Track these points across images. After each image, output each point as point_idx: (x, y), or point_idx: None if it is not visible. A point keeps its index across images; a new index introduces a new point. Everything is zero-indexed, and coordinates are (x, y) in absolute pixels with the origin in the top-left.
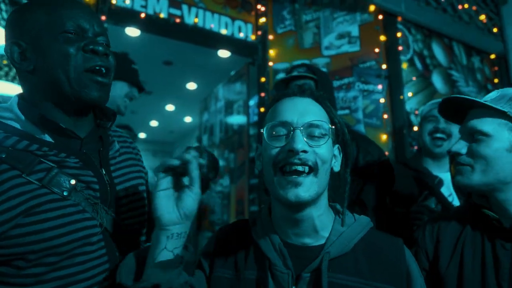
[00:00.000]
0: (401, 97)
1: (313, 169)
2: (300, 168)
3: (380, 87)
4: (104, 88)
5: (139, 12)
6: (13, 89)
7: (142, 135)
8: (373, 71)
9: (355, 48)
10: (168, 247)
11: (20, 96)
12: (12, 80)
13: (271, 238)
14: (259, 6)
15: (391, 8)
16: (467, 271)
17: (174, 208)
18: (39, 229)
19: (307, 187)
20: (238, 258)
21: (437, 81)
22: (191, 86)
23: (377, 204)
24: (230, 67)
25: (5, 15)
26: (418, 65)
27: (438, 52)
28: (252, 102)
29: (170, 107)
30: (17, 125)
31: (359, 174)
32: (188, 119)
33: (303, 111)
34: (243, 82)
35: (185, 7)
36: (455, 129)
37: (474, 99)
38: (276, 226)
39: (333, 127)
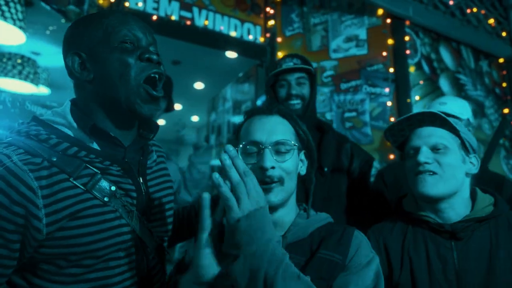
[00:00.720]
0: (408, 100)
1: (279, 181)
2: (268, 181)
3: (387, 90)
4: (156, 101)
5: (151, 15)
6: (25, 87)
7: None
8: (380, 74)
9: (363, 51)
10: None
11: (73, 102)
12: (25, 78)
13: None
14: (268, 9)
15: (399, 12)
16: (418, 274)
17: (214, 264)
18: (81, 233)
19: (275, 193)
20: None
21: (445, 84)
22: (199, 86)
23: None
24: (238, 68)
25: (20, 16)
26: (426, 68)
27: (446, 55)
28: (259, 103)
29: (177, 106)
30: (69, 132)
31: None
32: (195, 118)
33: (270, 130)
34: (251, 83)
35: (195, 10)
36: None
37: (446, 117)
38: None
39: (298, 140)
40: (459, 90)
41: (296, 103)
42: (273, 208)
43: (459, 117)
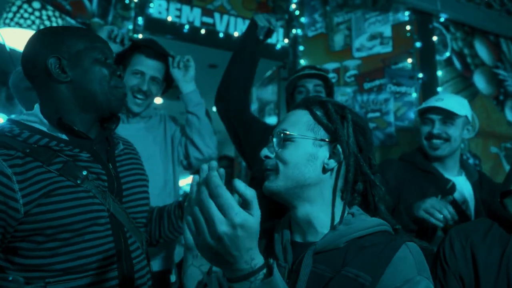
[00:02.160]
0: None
1: (273, 170)
2: (263, 169)
3: (413, 89)
4: (123, 101)
5: (174, 22)
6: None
7: None
8: (406, 72)
9: (387, 49)
10: (195, 264)
11: (40, 104)
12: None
13: (283, 235)
14: (290, 10)
15: (426, 6)
16: None
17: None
18: (56, 208)
19: (270, 180)
20: (262, 250)
21: (480, 81)
22: None
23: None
24: (262, 70)
25: (25, 14)
26: (457, 65)
27: (482, 50)
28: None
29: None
30: (40, 127)
31: None
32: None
33: (282, 121)
34: (274, 85)
35: (217, 15)
36: (453, 131)
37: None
38: (292, 227)
39: (321, 129)
40: (498, 86)
41: None
42: (287, 202)
43: (456, 113)
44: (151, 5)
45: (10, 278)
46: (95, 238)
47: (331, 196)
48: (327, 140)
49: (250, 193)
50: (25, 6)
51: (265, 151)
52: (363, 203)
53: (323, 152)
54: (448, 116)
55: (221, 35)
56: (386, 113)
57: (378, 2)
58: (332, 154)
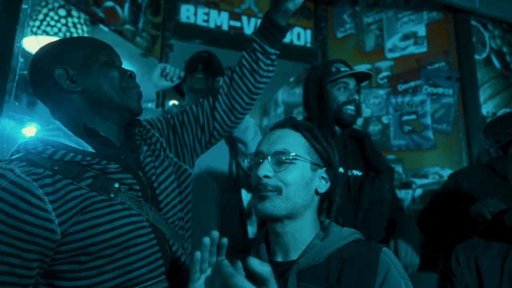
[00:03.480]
0: (476, 100)
1: (276, 190)
2: (261, 188)
3: (451, 90)
4: (140, 101)
5: (202, 27)
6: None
7: None
8: (442, 73)
9: (422, 49)
10: None
11: (58, 117)
12: None
13: (260, 255)
14: (318, 12)
15: (463, 4)
16: None
17: None
18: (94, 224)
19: (271, 202)
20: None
21: None
22: None
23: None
24: (290, 73)
25: (52, 22)
26: (496, 64)
27: None
28: None
29: None
30: (65, 141)
31: None
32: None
33: (274, 141)
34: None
35: (244, 18)
36: None
37: None
38: (271, 246)
39: (314, 153)
40: None
41: (353, 109)
42: (276, 221)
43: None
44: (180, 10)
45: None
46: (140, 250)
47: (315, 215)
48: (320, 165)
49: (266, 270)
50: (52, 14)
51: (264, 170)
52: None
53: (316, 177)
54: None
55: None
56: (423, 116)
57: (411, 0)
58: (322, 179)
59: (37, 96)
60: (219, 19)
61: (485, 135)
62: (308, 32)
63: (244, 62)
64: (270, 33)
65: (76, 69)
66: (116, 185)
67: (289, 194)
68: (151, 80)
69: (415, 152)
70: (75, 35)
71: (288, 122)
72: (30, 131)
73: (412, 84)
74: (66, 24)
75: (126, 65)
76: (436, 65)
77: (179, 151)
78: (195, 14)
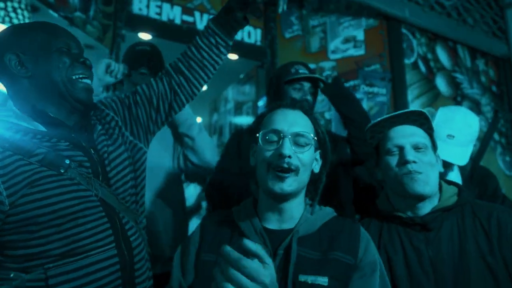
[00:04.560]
0: (405, 99)
1: (294, 171)
2: (286, 167)
3: (384, 89)
4: (90, 91)
5: (154, 19)
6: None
7: None
8: (377, 74)
9: (361, 51)
10: None
11: (10, 97)
12: None
13: (253, 224)
14: (268, 13)
15: (395, 13)
16: (397, 269)
17: None
18: (42, 197)
19: (289, 183)
20: (222, 242)
21: (441, 83)
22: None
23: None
24: (239, 70)
25: (28, 21)
26: (422, 68)
27: (442, 55)
28: (261, 103)
29: None
30: (15, 120)
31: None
32: (198, 120)
33: (292, 122)
34: (252, 84)
35: (197, 14)
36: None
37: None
38: (260, 214)
39: (316, 138)
40: (456, 89)
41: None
42: (285, 198)
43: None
44: (132, 1)
45: (11, 275)
46: (88, 221)
47: (305, 192)
48: (318, 147)
49: (258, 247)
50: None
51: (288, 150)
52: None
53: (315, 157)
54: None
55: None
56: None
57: (351, 7)
58: (317, 160)
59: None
60: (172, 13)
61: (366, 133)
62: (258, 31)
63: (206, 56)
64: (231, 28)
65: (29, 54)
66: (67, 161)
67: (302, 175)
68: (96, 74)
69: None
70: (14, 20)
71: (298, 105)
72: None
73: (351, 83)
74: (5, 9)
75: None
76: (372, 67)
77: (134, 129)
78: (148, 6)
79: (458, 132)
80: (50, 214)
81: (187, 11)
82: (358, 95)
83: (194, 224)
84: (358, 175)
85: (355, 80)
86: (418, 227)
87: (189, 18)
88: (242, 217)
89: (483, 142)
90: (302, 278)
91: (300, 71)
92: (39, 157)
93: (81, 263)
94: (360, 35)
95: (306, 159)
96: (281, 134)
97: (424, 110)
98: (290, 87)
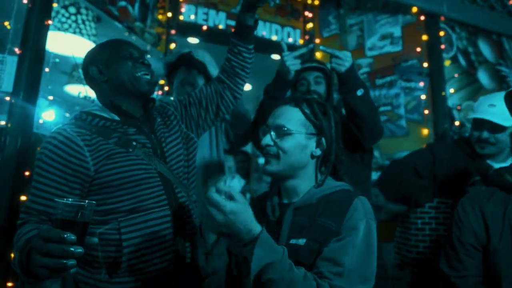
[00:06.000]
0: (443, 93)
1: (274, 156)
2: (264, 152)
3: (421, 84)
4: (150, 84)
5: (201, 25)
6: (80, 89)
7: None
8: (415, 69)
9: (398, 48)
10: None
11: (97, 98)
12: (80, 82)
13: (272, 200)
14: (306, 13)
15: (433, 9)
16: None
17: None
18: (116, 166)
19: (271, 165)
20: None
21: (483, 77)
22: (247, 87)
23: None
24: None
25: (94, 31)
26: (462, 62)
27: (485, 48)
28: None
29: None
30: (100, 112)
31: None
32: None
33: (276, 116)
34: None
35: None
36: (501, 136)
37: None
38: (281, 194)
39: (309, 125)
40: (500, 82)
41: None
42: (277, 177)
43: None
44: (182, 10)
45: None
46: (149, 187)
47: (314, 172)
48: (315, 133)
49: (229, 189)
50: (62, 11)
51: (267, 140)
52: (332, 174)
53: (312, 143)
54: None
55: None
56: (397, 107)
57: (388, 5)
58: (318, 144)
59: (87, 84)
60: (218, 18)
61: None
62: (298, 31)
63: (235, 64)
64: (245, 34)
65: (104, 64)
66: (134, 143)
67: (285, 159)
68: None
69: (390, 138)
70: (84, 31)
71: (290, 99)
72: (49, 116)
73: (388, 79)
74: (76, 21)
75: None
76: (409, 62)
77: (188, 124)
78: (196, 13)
79: (499, 102)
80: (121, 179)
81: (231, 16)
82: (395, 90)
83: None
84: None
85: (392, 76)
86: None
87: (233, 23)
88: (270, 196)
89: None
90: (291, 241)
91: (306, 65)
92: (115, 139)
93: (144, 218)
94: (397, 31)
95: (286, 146)
96: (266, 128)
97: (464, 104)
98: (298, 86)
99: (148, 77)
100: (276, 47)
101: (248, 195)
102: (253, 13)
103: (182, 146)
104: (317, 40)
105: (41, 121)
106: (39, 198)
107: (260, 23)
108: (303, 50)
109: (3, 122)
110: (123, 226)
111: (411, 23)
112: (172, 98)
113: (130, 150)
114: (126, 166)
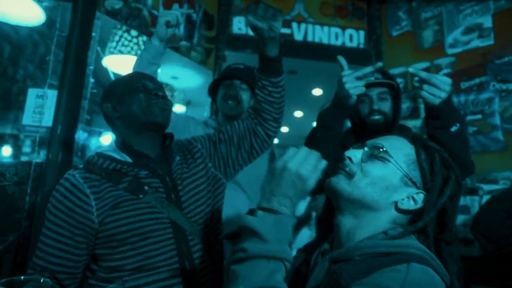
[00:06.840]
0: None
1: (348, 174)
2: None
3: None
4: (165, 112)
5: (252, 37)
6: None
7: (275, 141)
8: None
9: (489, 41)
10: None
11: (114, 135)
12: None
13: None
14: (372, 11)
15: None
16: None
17: None
18: (121, 217)
19: (338, 178)
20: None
21: None
22: (317, 92)
23: None
24: None
25: (125, 42)
26: None
27: None
28: None
29: (298, 113)
30: (113, 154)
31: None
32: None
33: (383, 138)
34: None
35: (294, 25)
36: None
37: None
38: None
39: (415, 169)
40: None
41: (379, 118)
42: (338, 207)
43: None
44: (232, 22)
45: (41, 280)
46: (158, 241)
47: (381, 225)
48: (417, 184)
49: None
50: (125, 35)
51: (352, 153)
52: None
53: (404, 190)
54: None
55: (299, 44)
56: (490, 115)
57: None
58: (412, 198)
59: (105, 121)
60: None
61: None
62: (361, 33)
63: (260, 98)
64: (267, 67)
65: (117, 100)
66: (146, 188)
67: (360, 184)
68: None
69: (482, 155)
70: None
71: (411, 135)
72: (106, 139)
73: (477, 80)
74: (137, 43)
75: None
76: (506, 59)
77: (216, 163)
78: (246, 25)
79: None
80: (127, 233)
81: (284, 23)
82: (487, 94)
83: (304, 234)
84: None
85: (482, 77)
86: None
87: (286, 30)
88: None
89: None
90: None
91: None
92: (125, 184)
93: (152, 278)
94: (487, 21)
95: (370, 170)
96: (364, 144)
97: None
98: (358, 103)
99: (165, 102)
100: (334, 53)
101: (314, 214)
102: (274, 44)
103: (206, 187)
104: (385, 41)
105: (103, 141)
106: (43, 253)
107: (317, 28)
108: (368, 70)
109: (43, 156)
110: (128, 287)
111: (505, 9)
112: (214, 117)
113: (141, 196)
114: (132, 217)
